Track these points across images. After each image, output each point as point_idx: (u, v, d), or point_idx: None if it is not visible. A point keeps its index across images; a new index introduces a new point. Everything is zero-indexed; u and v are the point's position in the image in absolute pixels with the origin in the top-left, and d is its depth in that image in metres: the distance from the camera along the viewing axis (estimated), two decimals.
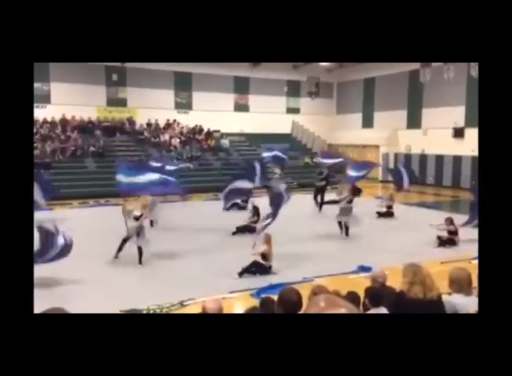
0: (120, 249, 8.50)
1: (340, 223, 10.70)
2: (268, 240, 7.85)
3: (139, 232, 8.46)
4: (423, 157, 22.53)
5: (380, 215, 13.05)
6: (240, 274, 7.62)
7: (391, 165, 24.14)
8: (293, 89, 26.79)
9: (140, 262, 8.36)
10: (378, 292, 4.11)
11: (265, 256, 7.77)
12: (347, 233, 10.62)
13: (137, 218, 8.47)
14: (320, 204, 13.96)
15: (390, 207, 13.34)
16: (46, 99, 21.08)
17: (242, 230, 10.74)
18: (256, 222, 10.37)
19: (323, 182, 14.31)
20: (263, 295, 5.80)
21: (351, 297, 4.06)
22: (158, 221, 11.11)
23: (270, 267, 7.84)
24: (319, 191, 14.25)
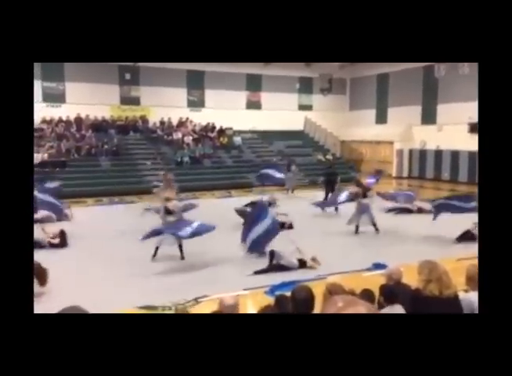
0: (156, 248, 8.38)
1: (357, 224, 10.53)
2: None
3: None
4: (438, 153, 22.26)
5: (399, 211, 12.97)
6: (257, 273, 7.59)
7: (406, 162, 23.95)
8: (306, 86, 26.66)
9: (182, 258, 8.34)
10: (393, 290, 4.08)
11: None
12: (376, 229, 10.46)
13: (171, 212, 8.42)
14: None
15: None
16: (61, 98, 21.33)
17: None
18: None
19: (332, 177, 14.09)
20: (276, 293, 5.81)
21: (366, 295, 4.03)
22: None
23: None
24: (329, 185, 13.93)
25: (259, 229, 8.26)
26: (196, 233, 8.07)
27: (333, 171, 14.75)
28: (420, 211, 12.95)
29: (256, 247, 8.38)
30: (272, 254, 7.78)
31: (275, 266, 7.71)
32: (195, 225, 8.07)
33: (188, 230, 8.00)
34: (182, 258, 8.40)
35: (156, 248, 8.39)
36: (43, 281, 6.38)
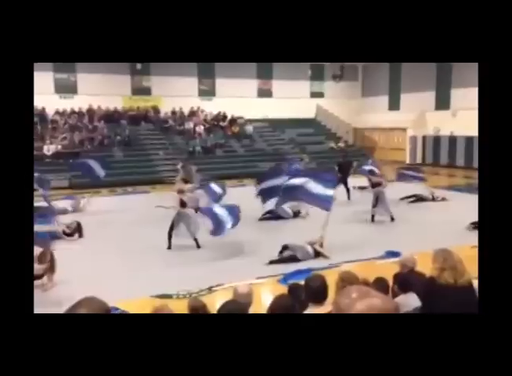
0: (170, 235, 8.49)
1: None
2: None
3: (188, 219, 8.52)
4: (452, 139, 21.94)
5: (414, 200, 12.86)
6: (272, 262, 7.59)
7: (420, 148, 23.65)
8: (317, 73, 26.38)
9: (198, 246, 8.48)
10: (407, 278, 4.06)
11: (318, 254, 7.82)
12: (392, 218, 10.45)
13: (184, 205, 8.50)
14: (347, 191, 13.32)
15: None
16: (73, 89, 21.46)
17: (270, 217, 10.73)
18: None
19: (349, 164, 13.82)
20: (290, 281, 5.82)
21: (380, 283, 4.02)
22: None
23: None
24: (344, 174, 13.26)
25: (271, 183, 9.82)
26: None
27: (348, 160, 14.58)
28: (434, 199, 12.84)
29: (264, 194, 9.93)
30: (286, 248, 7.78)
31: (289, 258, 7.70)
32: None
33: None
34: (198, 246, 8.49)
35: (170, 237, 8.48)
36: (52, 269, 6.47)
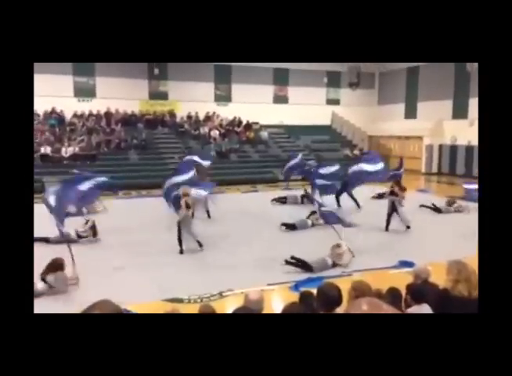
0: (180, 240, 8.63)
1: (389, 217, 10.41)
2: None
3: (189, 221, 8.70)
4: (469, 149, 21.64)
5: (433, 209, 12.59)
6: (287, 262, 7.56)
7: (436, 157, 23.37)
8: (334, 80, 26.36)
9: (200, 246, 8.72)
10: (421, 289, 4.01)
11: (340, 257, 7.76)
12: (408, 227, 10.37)
13: (189, 206, 8.64)
14: (354, 200, 13.04)
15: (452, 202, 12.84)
16: (92, 92, 21.80)
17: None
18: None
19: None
20: (301, 289, 5.80)
21: (393, 293, 3.98)
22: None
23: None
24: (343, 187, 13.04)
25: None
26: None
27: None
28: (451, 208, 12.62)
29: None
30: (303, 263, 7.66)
31: (304, 266, 7.62)
32: None
33: None
34: (201, 245, 8.74)
35: (180, 242, 8.57)
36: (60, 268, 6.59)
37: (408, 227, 10.34)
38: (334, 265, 7.73)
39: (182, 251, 8.58)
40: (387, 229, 10.38)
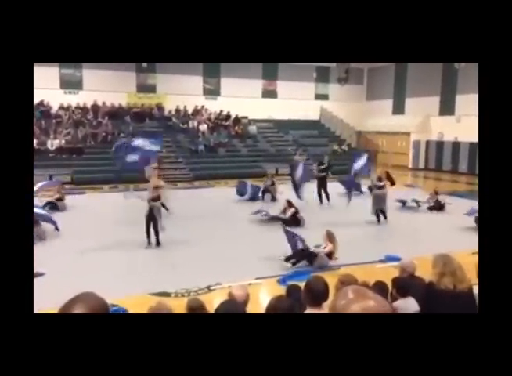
0: (148, 233, 8.57)
1: (376, 212, 10.59)
2: (332, 238, 7.74)
3: (158, 213, 8.58)
4: (455, 145, 21.90)
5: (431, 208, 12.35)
6: (287, 260, 7.51)
7: (423, 153, 23.60)
8: (323, 75, 26.38)
9: (158, 243, 8.52)
10: (406, 282, 4.06)
11: (330, 255, 7.66)
12: (385, 217, 10.66)
13: (155, 199, 8.56)
14: (327, 196, 13.10)
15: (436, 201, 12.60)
16: (78, 85, 21.51)
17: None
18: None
19: (323, 174, 13.30)
20: (289, 282, 5.82)
21: (379, 286, 4.01)
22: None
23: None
24: (322, 184, 13.18)
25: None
26: None
27: (325, 168, 14.32)
28: (435, 207, 12.54)
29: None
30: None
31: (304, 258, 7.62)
32: None
33: None
34: (159, 243, 8.57)
35: (148, 235, 8.49)
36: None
37: (385, 217, 10.66)
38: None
39: (149, 243, 8.50)
40: (378, 221, 10.61)
